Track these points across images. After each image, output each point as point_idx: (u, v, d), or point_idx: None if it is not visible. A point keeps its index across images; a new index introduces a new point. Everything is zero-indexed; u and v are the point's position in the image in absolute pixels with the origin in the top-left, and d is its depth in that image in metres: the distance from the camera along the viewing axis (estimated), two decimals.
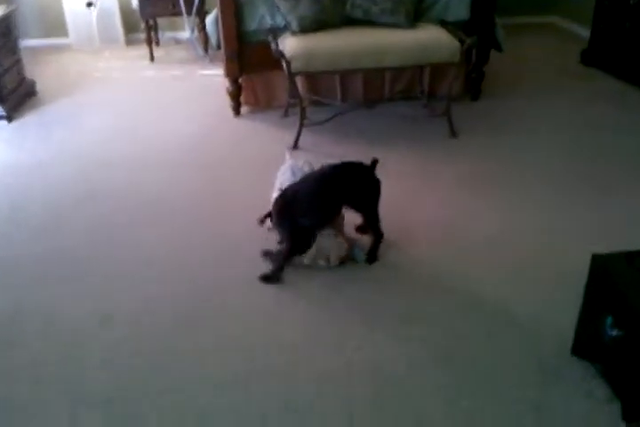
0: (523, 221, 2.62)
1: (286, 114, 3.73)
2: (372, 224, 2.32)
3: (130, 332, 2.05)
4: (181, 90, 4.35)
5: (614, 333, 1.64)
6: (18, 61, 4.17)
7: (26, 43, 4.99)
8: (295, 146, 3.32)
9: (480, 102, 3.85)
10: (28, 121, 3.88)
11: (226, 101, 3.80)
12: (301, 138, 3.34)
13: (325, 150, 3.30)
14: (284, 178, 2.38)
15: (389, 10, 3.23)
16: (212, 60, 4.82)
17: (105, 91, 4.37)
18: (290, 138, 3.35)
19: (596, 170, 3.04)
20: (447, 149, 3.29)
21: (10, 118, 3.89)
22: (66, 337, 2.03)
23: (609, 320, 1.68)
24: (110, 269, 2.38)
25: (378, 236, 2.33)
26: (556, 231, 2.55)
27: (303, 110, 3.30)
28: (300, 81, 3.52)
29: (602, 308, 1.72)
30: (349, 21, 3.36)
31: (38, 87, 4.32)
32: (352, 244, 2.36)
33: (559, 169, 3.05)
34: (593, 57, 4.49)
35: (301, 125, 3.31)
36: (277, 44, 3.22)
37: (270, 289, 2.23)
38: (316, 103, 3.67)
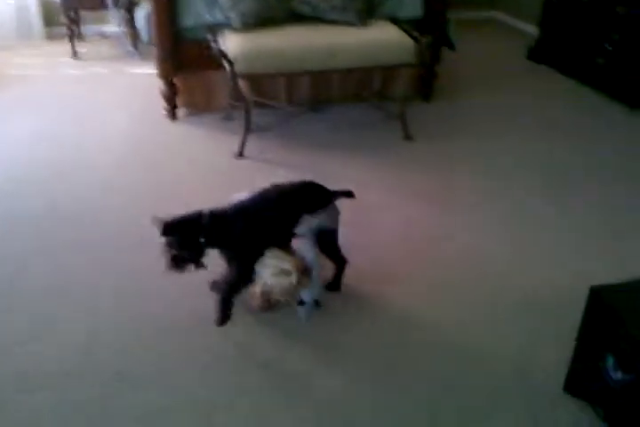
0: (492, 241, 2.43)
1: (228, 117, 3.44)
2: (332, 253, 2.04)
3: None
4: (110, 90, 3.97)
5: (619, 376, 1.48)
6: None
7: None
8: (241, 154, 3.05)
9: (432, 103, 3.68)
10: None
11: (160, 103, 3.47)
12: (246, 144, 3.07)
13: (273, 158, 3.05)
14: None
15: (340, 6, 2.99)
16: (144, 57, 4.45)
17: (22, 91, 3.94)
18: (233, 144, 3.07)
19: (559, 174, 2.92)
20: (403, 154, 3.09)
21: None
22: None
23: (610, 361, 1.51)
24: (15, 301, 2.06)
25: (341, 263, 2.08)
26: (530, 249, 2.38)
27: (248, 115, 3.02)
28: (241, 82, 3.23)
29: (601, 346, 1.55)
30: (295, 17, 3.11)
31: None
32: (303, 284, 1.88)
33: (518, 176, 2.92)
34: (541, 54, 4.41)
35: (247, 131, 3.04)
36: (218, 43, 2.93)
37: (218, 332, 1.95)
38: (259, 105, 3.40)
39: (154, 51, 3.34)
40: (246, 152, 3.06)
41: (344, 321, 2.00)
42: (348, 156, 3.06)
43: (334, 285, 2.11)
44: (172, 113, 3.49)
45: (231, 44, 2.87)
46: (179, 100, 3.49)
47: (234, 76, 2.87)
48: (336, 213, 1.98)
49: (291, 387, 1.76)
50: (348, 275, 2.11)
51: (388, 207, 2.64)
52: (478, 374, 1.80)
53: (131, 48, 4.62)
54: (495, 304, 2.08)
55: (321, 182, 1.99)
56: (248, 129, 3.03)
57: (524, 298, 2.10)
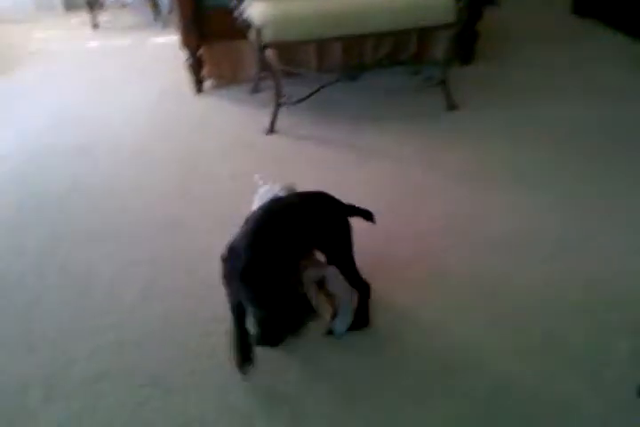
0: (553, 225, 2.17)
1: (256, 89, 3.25)
2: (350, 278, 1.67)
3: None
4: (132, 63, 3.80)
5: None
6: None
7: None
8: (271, 129, 2.87)
9: (473, 67, 3.42)
10: None
11: (185, 75, 3.29)
12: (277, 118, 2.88)
13: (306, 132, 2.86)
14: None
15: None
16: (166, 25, 4.26)
17: (44, 67, 3.80)
18: (263, 118, 2.89)
19: (620, 143, 2.67)
20: (446, 125, 2.85)
21: None
22: None
23: None
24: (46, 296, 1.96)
25: (363, 289, 1.72)
26: (600, 232, 2.14)
27: (278, 86, 2.82)
28: (269, 51, 3.03)
29: None
30: None
31: None
32: (336, 306, 1.65)
33: (574, 147, 2.67)
34: (587, 7, 4.07)
35: (277, 104, 2.85)
36: (242, 11, 2.72)
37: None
38: (289, 75, 3.19)
39: (175, 20, 3.16)
40: (277, 127, 2.88)
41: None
42: (385, 128, 2.85)
43: (361, 319, 1.74)
44: (198, 85, 3.31)
45: (256, 10, 2.65)
46: (204, 72, 3.31)
47: (260, 45, 2.66)
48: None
49: (335, 384, 1.63)
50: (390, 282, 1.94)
51: (431, 187, 2.42)
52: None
53: (152, 17, 4.43)
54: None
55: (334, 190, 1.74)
56: (278, 102, 2.84)
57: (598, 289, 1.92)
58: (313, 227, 1.58)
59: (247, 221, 1.58)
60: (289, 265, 1.51)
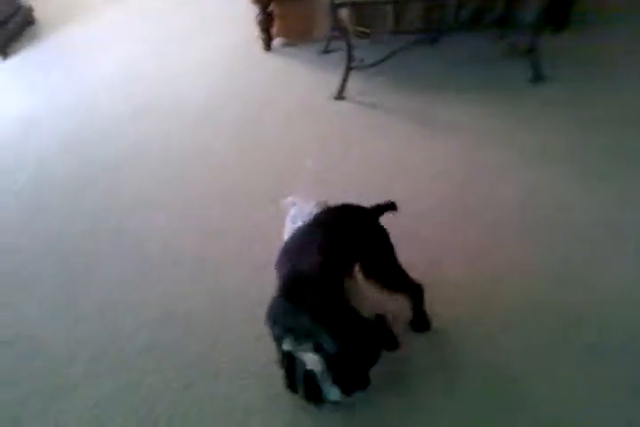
0: None
1: (326, 50, 3.08)
2: (399, 283, 1.55)
3: None
4: (202, 15, 3.68)
5: None
6: None
7: None
8: (340, 94, 2.71)
9: (567, 35, 3.10)
10: (25, 58, 3.32)
11: (254, 32, 3.15)
12: (347, 83, 2.71)
13: (376, 100, 2.68)
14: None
15: None
16: None
17: (112, 17, 3.73)
18: (332, 82, 2.72)
19: None
20: (529, 99, 2.60)
21: (4, 54, 3.33)
22: None
23: None
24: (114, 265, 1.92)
25: (416, 292, 1.58)
26: None
27: (349, 48, 2.64)
28: (343, 10, 2.83)
29: None
30: None
31: (36, 14, 3.70)
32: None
33: None
34: None
35: (348, 68, 2.67)
36: None
37: None
38: (363, 37, 2.99)
39: None
40: (346, 92, 2.71)
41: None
42: (462, 99, 2.63)
43: (419, 322, 1.63)
44: (268, 44, 3.17)
45: None
46: (274, 30, 3.16)
47: (333, 2, 2.48)
48: None
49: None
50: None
51: (507, 169, 2.21)
52: None
53: None
54: None
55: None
56: (349, 65, 2.66)
57: None
58: (355, 241, 1.47)
59: (288, 256, 1.44)
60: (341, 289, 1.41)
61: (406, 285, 1.56)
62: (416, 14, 3.04)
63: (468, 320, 1.64)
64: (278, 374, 1.47)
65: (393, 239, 1.50)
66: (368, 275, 1.50)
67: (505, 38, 2.97)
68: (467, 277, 1.76)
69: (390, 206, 1.57)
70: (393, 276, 1.53)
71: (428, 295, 1.59)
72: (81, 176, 2.38)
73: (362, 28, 2.96)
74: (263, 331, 1.38)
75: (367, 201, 1.54)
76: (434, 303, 1.62)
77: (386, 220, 1.53)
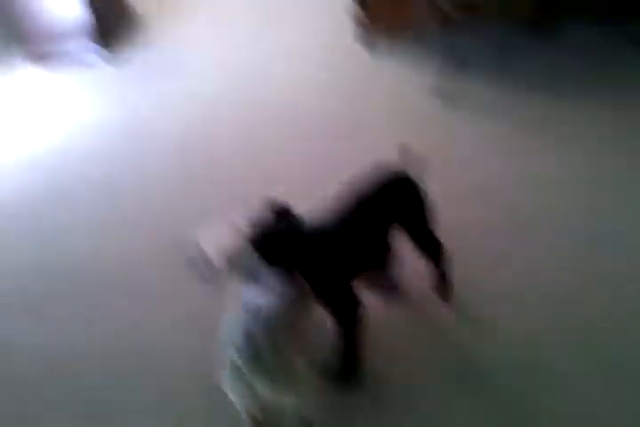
0: None
1: (423, 40, 2.79)
2: (431, 247, 1.56)
3: None
4: (298, 9, 3.47)
5: None
6: None
7: None
8: (439, 91, 2.46)
9: None
10: (130, 59, 3.23)
11: (349, 23, 2.98)
12: (446, 79, 2.48)
13: (478, 99, 2.42)
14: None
15: None
16: None
17: (213, 14, 3.62)
18: (430, 78, 2.51)
19: None
20: None
21: (108, 55, 3.16)
22: None
23: None
24: None
25: (442, 265, 1.60)
26: None
27: (452, 41, 2.45)
28: None
29: None
30: None
31: (140, 13, 3.64)
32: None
33: None
34: None
35: (448, 61, 2.47)
36: None
37: None
38: (465, 26, 2.67)
39: None
40: (446, 89, 2.47)
41: None
42: (581, 102, 2.32)
43: (442, 287, 1.64)
44: (363, 33, 2.95)
45: None
46: (369, 20, 2.92)
47: None
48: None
49: None
50: None
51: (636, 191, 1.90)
52: None
53: None
54: None
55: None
56: (449, 58, 2.45)
57: None
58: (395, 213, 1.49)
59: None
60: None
61: (435, 253, 1.57)
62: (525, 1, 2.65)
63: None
64: None
65: None
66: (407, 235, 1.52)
67: (628, 33, 2.58)
68: None
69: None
70: (427, 239, 1.54)
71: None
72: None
73: (465, 16, 2.61)
74: None
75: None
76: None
77: None
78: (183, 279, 1.65)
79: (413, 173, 1.49)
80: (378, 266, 1.62)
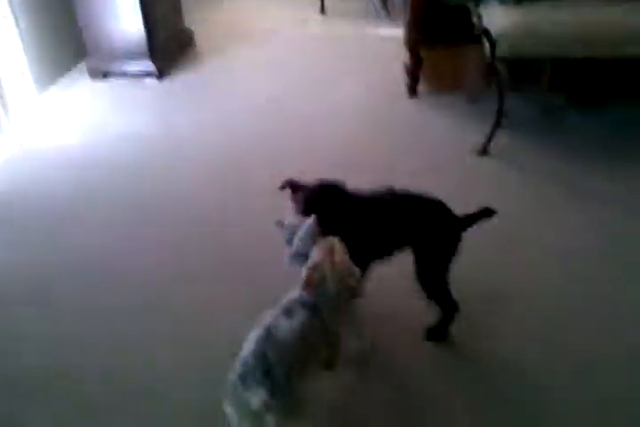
0: None
1: (474, 100, 2.95)
2: (435, 293, 1.55)
3: None
4: (348, 53, 3.67)
5: None
6: (175, 9, 3.71)
7: None
8: (484, 150, 2.57)
9: None
10: (180, 80, 3.42)
11: (400, 75, 3.10)
12: (493, 140, 2.56)
13: (523, 161, 2.52)
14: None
15: None
16: (392, 17, 4.07)
17: (267, 48, 3.80)
18: (477, 136, 2.59)
19: None
20: None
21: (161, 75, 3.45)
22: None
23: None
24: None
25: (448, 309, 1.58)
26: None
27: (502, 103, 2.49)
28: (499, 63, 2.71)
29: None
30: None
31: (197, 39, 3.86)
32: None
33: None
34: None
35: (497, 123, 2.53)
36: (481, 17, 2.43)
37: None
38: (514, 89, 2.84)
39: (404, 13, 2.95)
40: (492, 149, 2.58)
41: None
42: (621, 172, 2.39)
43: (436, 333, 1.62)
44: (413, 88, 3.09)
45: (497, 19, 2.35)
46: (422, 75, 3.08)
47: (494, 58, 2.37)
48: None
49: None
50: None
51: None
52: None
53: (379, 6, 4.26)
54: None
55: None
56: (499, 120, 2.53)
57: None
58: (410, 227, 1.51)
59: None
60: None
61: (442, 299, 1.55)
62: (576, 73, 2.86)
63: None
64: None
65: None
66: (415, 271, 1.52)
67: None
68: None
69: (485, 213, 1.51)
70: (433, 283, 1.53)
71: None
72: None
73: (518, 85, 2.80)
74: None
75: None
76: None
77: None
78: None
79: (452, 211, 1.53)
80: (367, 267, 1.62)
